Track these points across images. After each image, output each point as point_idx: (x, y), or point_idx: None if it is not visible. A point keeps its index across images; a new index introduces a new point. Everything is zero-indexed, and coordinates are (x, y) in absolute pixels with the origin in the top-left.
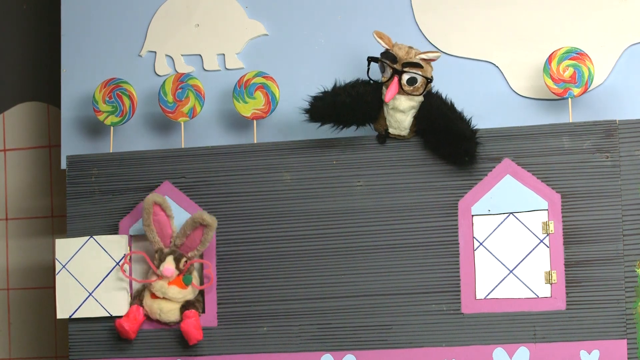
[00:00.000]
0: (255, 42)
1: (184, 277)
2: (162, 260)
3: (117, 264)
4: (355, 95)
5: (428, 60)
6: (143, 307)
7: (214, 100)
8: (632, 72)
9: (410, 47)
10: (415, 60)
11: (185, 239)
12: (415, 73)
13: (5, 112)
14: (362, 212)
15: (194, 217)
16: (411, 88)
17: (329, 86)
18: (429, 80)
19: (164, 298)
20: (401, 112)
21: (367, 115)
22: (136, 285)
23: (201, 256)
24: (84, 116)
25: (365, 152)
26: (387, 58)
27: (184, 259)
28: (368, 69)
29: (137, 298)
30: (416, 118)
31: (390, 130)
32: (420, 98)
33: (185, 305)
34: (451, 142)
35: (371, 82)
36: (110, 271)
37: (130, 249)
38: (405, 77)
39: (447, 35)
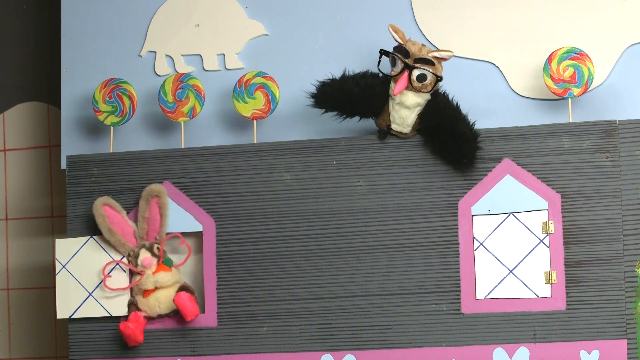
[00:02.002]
0: (255, 42)
1: (164, 260)
2: (136, 257)
3: (117, 263)
4: (363, 86)
5: (440, 59)
6: (140, 310)
7: (214, 100)
8: (632, 72)
9: (424, 45)
10: (427, 57)
11: (147, 224)
12: (426, 70)
13: (5, 112)
14: (362, 212)
15: (143, 194)
16: (420, 85)
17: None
18: (438, 78)
19: (156, 288)
20: (407, 108)
21: (372, 107)
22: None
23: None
24: (84, 116)
25: (365, 152)
26: (400, 52)
27: (155, 245)
28: (379, 61)
29: (131, 306)
30: (420, 116)
31: (393, 126)
32: (427, 96)
33: (180, 290)
34: (453, 142)
35: (380, 75)
36: (110, 271)
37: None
38: (415, 72)
39: (447, 35)
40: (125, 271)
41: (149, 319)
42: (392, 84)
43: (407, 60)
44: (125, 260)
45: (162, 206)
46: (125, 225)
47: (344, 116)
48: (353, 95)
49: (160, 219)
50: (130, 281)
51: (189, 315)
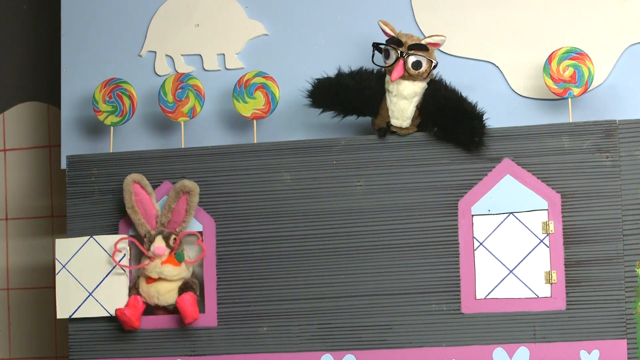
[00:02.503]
0: (255, 42)
1: (175, 254)
2: (151, 241)
3: (117, 264)
4: (358, 80)
5: (433, 44)
6: (140, 295)
7: (214, 100)
8: (632, 72)
9: (414, 35)
10: (420, 43)
11: (171, 214)
12: (420, 56)
13: (5, 112)
14: (362, 212)
15: (176, 187)
16: (416, 72)
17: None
18: (433, 64)
19: (159, 279)
20: (405, 98)
21: (369, 102)
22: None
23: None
24: (84, 116)
25: (365, 152)
26: (392, 42)
27: (173, 236)
28: (373, 54)
29: (133, 289)
30: (419, 108)
31: (392, 122)
32: (424, 84)
33: (183, 288)
34: (461, 121)
35: (374, 70)
36: (110, 271)
37: (130, 249)
38: (410, 60)
39: (447, 35)
40: (125, 272)
41: (147, 305)
42: (387, 77)
43: (400, 49)
44: (140, 240)
45: (190, 203)
46: (150, 207)
47: (342, 115)
48: (349, 90)
49: (184, 215)
50: (138, 262)
51: (189, 318)
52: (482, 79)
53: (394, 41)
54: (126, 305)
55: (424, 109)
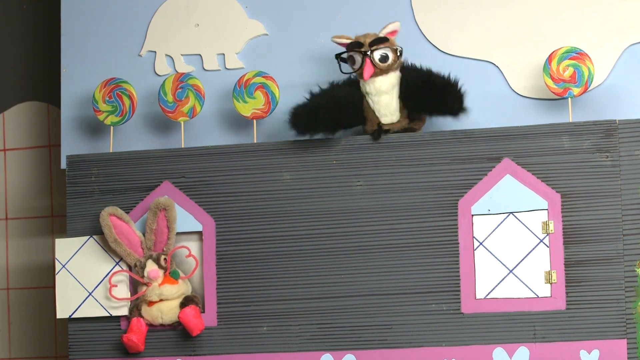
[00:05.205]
0: (255, 42)
1: (170, 272)
2: (143, 268)
3: (117, 263)
4: (331, 97)
5: (391, 34)
6: (143, 317)
7: (214, 100)
8: (632, 72)
9: (369, 32)
10: (380, 35)
11: (154, 236)
12: (383, 48)
13: (5, 112)
14: (361, 212)
15: (151, 207)
16: (385, 65)
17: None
18: (398, 52)
19: (161, 300)
20: (385, 93)
21: (350, 113)
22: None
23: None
24: (84, 116)
25: (365, 152)
26: (353, 47)
27: (162, 257)
28: (339, 65)
29: (134, 311)
30: (402, 98)
31: (383, 120)
32: (397, 73)
33: (184, 302)
34: (438, 94)
35: (342, 81)
36: (110, 271)
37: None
38: (376, 55)
39: (447, 35)
40: (126, 278)
41: (151, 326)
42: (361, 80)
43: (363, 49)
44: (132, 270)
45: (170, 219)
46: (132, 235)
47: (330, 133)
48: (325, 109)
49: (167, 232)
50: (135, 289)
51: (195, 330)
52: (482, 79)
53: (354, 45)
54: (130, 329)
55: (402, 93)
